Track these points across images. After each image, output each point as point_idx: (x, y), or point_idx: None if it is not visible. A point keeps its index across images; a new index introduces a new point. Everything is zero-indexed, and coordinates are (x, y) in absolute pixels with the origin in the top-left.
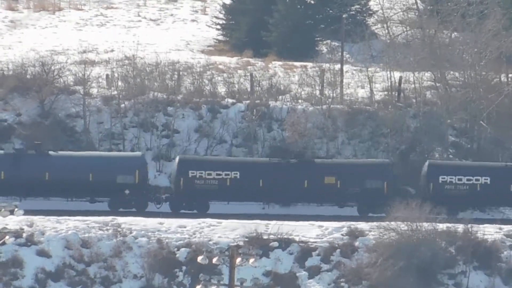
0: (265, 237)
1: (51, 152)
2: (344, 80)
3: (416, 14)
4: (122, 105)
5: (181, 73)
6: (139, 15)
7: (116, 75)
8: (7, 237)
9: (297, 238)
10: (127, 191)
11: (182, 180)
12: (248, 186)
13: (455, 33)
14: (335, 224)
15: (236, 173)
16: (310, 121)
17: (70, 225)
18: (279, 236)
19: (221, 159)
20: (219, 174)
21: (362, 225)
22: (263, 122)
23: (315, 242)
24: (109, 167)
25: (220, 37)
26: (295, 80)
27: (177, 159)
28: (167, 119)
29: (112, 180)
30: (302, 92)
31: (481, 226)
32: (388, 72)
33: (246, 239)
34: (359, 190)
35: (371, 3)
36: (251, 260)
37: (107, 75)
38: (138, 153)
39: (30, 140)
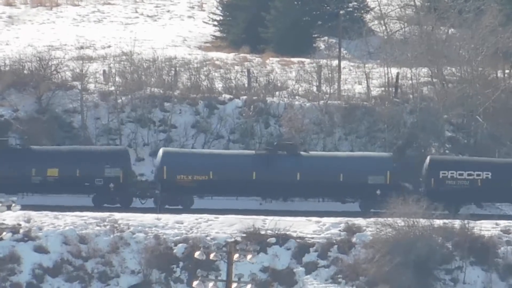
0: (262, 232)
1: (302, 152)
2: (342, 76)
3: (414, 10)
4: (119, 101)
5: (178, 69)
6: (136, 11)
7: (113, 70)
8: (4, 232)
9: (294, 234)
10: (378, 192)
11: (433, 180)
12: (500, 186)
13: (452, 29)
14: (332, 219)
15: (488, 173)
16: (307, 116)
17: (67, 220)
18: (276, 231)
19: (473, 160)
20: (471, 175)
21: (359, 221)
22: (260, 117)
23: (313, 238)
24: (360, 167)
25: (217, 33)
26: (292, 76)
27: (427, 159)
28: (164, 115)
29: (363, 180)
30: (299, 88)
31: (477, 222)
32: (385, 68)
33: (244, 235)
34: None
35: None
36: (249, 256)
37: (104, 70)
38: (387, 154)
39: (27, 136)
